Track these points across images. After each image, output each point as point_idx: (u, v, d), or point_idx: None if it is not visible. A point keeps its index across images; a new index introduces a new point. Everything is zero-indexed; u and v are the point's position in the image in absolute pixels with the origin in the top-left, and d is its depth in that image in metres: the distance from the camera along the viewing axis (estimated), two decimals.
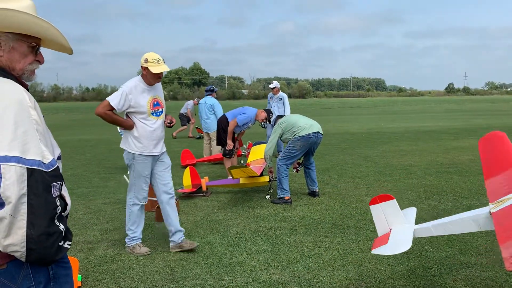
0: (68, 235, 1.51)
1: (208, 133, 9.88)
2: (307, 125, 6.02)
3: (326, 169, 8.41)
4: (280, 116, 6.68)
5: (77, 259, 3.49)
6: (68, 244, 1.50)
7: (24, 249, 1.37)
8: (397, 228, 3.08)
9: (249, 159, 7.59)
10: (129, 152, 4.11)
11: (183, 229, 4.35)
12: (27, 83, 1.59)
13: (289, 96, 10.79)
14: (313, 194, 6.42)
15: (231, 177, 6.36)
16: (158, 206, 4.96)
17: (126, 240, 4.28)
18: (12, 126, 1.37)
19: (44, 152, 1.42)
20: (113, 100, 3.97)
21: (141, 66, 4.04)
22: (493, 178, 3.05)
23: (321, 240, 4.55)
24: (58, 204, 1.44)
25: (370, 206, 3.17)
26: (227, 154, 7.42)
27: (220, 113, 9.14)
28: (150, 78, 4.05)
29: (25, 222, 1.35)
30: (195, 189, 6.54)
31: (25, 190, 1.35)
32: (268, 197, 6.34)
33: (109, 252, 4.31)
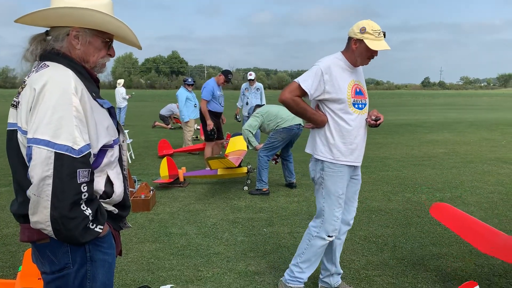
0: (100, 220, 1.55)
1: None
2: (290, 116, 6.02)
3: (303, 161, 8.47)
4: (259, 106, 6.66)
5: None
6: (99, 228, 1.55)
7: (50, 228, 1.45)
8: None
9: (227, 150, 7.57)
10: (317, 159, 2.97)
11: (342, 271, 3.34)
12: (98, 75, 1.72)
13: (268, 87, 10.79)
14: (290, 185, 6.46)
15: (209, 168, 6.33)
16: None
17: (286, 276, 3.21)
18: (50, 110, 1.44)
19: (77, 138, 1.45)
20: (305, 81, 2.80)
21: (350, 37, 2.85)
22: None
23: (297, 231, 4.59)
24: (85, 190, 1.47)
25: None
26: (210, 135, 7.43)
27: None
28: (359, 55, 2.83)
29: (49, 202, 1.42)
30: (172, 180, 6.49)
31: (49, 172, 1.41)
32: (246, 188, 6.35)
33: None
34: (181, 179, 6.59)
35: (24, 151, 1.52)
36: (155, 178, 6.80)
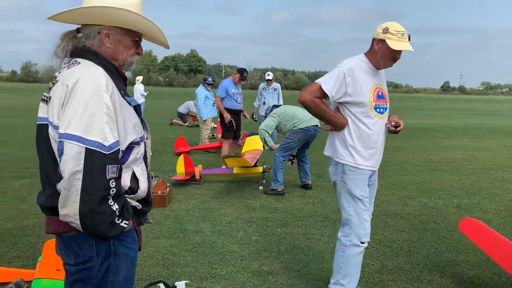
0: (126, 215, 1.59)
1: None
2: (307, 117, 6.01)
3: (319, 162, 8.45)
4: (276, 106, 6.66)
5: None
6: (125, 224, 1.58)
7: (78, 221, 1.48)
8: None
9: (244, 149, 7.60)
10: (337, 162, 2.92)
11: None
12: (126, 73, 1.76)
13: (286, 88, 10.78)
14: (305, 186, 6.45)
15: (224, 166, 6.36)
16: None
17: None
18: (82, 107, 1.48)
19: (107, 135, 1.49)
20: (327, 82, 2.76)
21: (374, 38, 2.81)
22: None
23: (311, 233, 4.59)
24: (113, 185, 1.51)
25: None
26: (229, 126, 7.56)
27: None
28: (381, 56, 2.78)
29: (78, 197, 1.46)
30: (188, 177, 6.55)
31: (80, 167, 1.45)
32: (261, 188, 6.36)
33: None
34: (197, 176, 6.64)
35: (54, 146, 1.56)
36: (172, 175, 6.87)
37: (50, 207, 1.62)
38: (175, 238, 4.31)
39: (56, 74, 1.63)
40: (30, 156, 8.50)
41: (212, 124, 11.51)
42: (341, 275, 2.96)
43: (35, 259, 3.68)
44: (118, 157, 1.56)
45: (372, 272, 3.65)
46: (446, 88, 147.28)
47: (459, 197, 6.26)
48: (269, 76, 10.32)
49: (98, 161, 1.47)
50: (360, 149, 2.83)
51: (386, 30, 2.72)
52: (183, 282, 2.95)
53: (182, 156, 6.74)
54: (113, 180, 1.51)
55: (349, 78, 2.74)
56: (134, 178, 1.68)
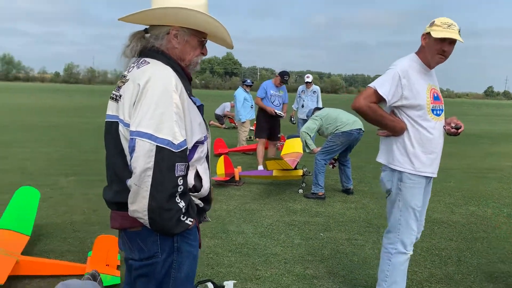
0: (191, 213, 1.62)
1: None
2: (350, 120, 5.92)
3: (360, 166, 8.30)
4: (318, 108, 6.59)
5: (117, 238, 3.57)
6: (190, 221, 1.61)
7: (146, 217, 1.51)
8: None
9: (283, 152, 7.57)
10: (394, 170, 2.76)
11: None
12: (191, 73, 1.78)
13: (321, 91, 10.66)
14: (347, 191, 6.35)
15: (262, 168, 6.36)
16: None
17: None
18: (153, 106, 1.51)
19: (176, 133, 1.52)
20: (382, 85, 2.60)
21: (422, 35, 2.67)
22: None
23: (355, 238, 4.50)
24: (181, 183, 1.54)
25: None
26: (278, 116, 7.70)
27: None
28: (429, 51, 2.64)
29: (148, 193, 1.48)
30: (228, 178, 6.59)
31: (150, 164, 1.47)
32: (300, 191, 6.31)
33: None
34: (237, 178, 6.67)
35: (124, 143, 1.60)
36: (212, 176, 6.93)
37: (117, 203, 1.65)
38: (218, 238, 4.33)
39: (125, 73, 1.67)
40: (75, 154, 8.82)
41: (250, 127, 11.55)
42: (388, 283, 2.87)
43: (85, 254, 3.80)
44: (186, 155, 1.57)
45: (421, 280, 3.54)
46: (489, 93, 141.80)
47: (509, 206, 5.98)
48: (309, 78, 10.25)
49: (168, 158, 1.49)
50: (420, 154, 2.69)
51: (432, 23, 2.60)
52: (231, 282, 2.96)
53: (222, 157, 6.79)
54: (181, 178, 1.53)
55: (405, 80, 2.60)
56: (198, 176, 1.70)
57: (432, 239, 4.51)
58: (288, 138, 7.79)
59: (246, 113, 9.81)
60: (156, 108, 1.50)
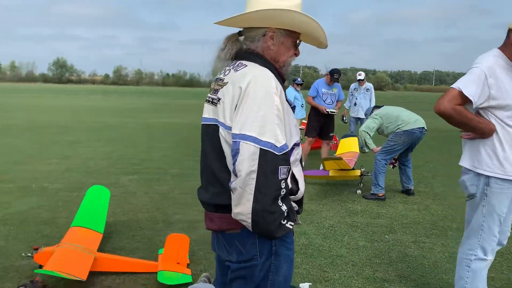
0: (291, 216, 1.61)
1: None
2: (412, 119, 5.74)
3: (417, 166, 8.03)
4: (377, 107, 6.43)
5: (188, 237, 3.64)
6: (290, 225, 1.60)
7: (249, 220, 1.51)
8: None
9: (338, 152, 7.44)
10: (479, 174, 2.59)
11: None
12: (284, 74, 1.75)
13: None
14: (407, 192, 6.16)
15: (322, 168, 6.28)
16: None
17: None
18: (256, 108, 1.51)
19: (278, 136, 1.51)
20: (468, 86, 2.42)
21: (510, 29, 2.45)
22: None
23: (422, 241, 4.35)
24: (283, 186, 1.53)
25: None
26: (330, 113, 7.63)
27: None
28: None
29: (252, 196, 1.48)
30: None
31: (255, 167, 1.48)
32: (359, 192, 6.19)
33: (209, 232, 4.44)
34: None
35: (225, 146, 1.60)
36: None
37: (215, 204, 1.66)
38: None
39: (221, 76, 1.67)
40: (132, 154, 9.11)
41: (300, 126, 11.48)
42: None
43: (153, 251, 3.90)
44: (289, 158, 1.56)
45: (500, 286, 3.36)
46: None
47: None
48: (361, 76, 10.05)
49: (271, 161, 1.48)
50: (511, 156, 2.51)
51: None
52: (307, 284, 2.94)
53: None
54: (283, 181, 1.52)
55: (492, 79, 2.42)
56: (294, 179, 1.68)
57: (508, 243, 4.27)
58: (343, 137, 7.67)
59: (297, 112, 9.74)
60: (258, 110, 1.50)
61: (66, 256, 3.16)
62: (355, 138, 7.34)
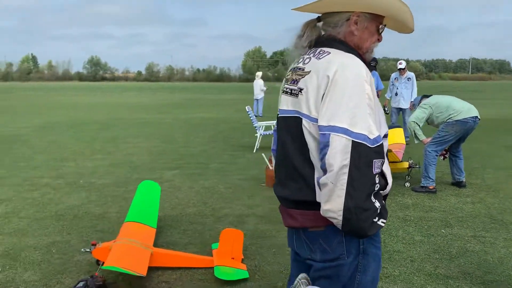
0: (383, 213, 1.51)
1: None
2: (465, 108, 5.50)
3: (466, 157, 7.65)
4: (426, 96, 6.18)
5: (242, 232, 3.60)
6: (382, 222, 1.50)
7: (340, 217, 1.41)
8: None
9: None
10: None
11: None
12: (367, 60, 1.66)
13: None
14: (459, 184, 5.91)
15: None
16: None
17: None
18: (346, 98, 1.40)
19: (371, 127, 1.41)
20: None
21: None
22: None
23: (482, 235, 4.15)
24: (377, 181, 1.43)
25: None
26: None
27: None
28: None
29: (344, 191, 1.38)
30: None
31: (347, 161, 1.38)
32: (407, 184, 5.99)
33: (259, 227, 4.41)
34: None
35: (309, 139, 1.50)
36: None
37: (296, 201, 1.57)
38: None
39: (300, 65, 1.58)
40: (172, 149, 9.20)
41: None
42: None
43: (205, 246, 3.89)
44: (382, 151, 1.46)
45: None
46: None
47: None
48: (401, 65, 9.74)
49: (365, 155, 1.38)
50: None
51: None
52: None
53: None
54: (377, 175, 1.43)
55: None
56: (381, 173, 1.57)
57: None
58: (388, 128, 7.44)
59: None
60: (349, 100, 1.40)
61: (125, 252, 3.18)
62: (401, 129, 7.12)
